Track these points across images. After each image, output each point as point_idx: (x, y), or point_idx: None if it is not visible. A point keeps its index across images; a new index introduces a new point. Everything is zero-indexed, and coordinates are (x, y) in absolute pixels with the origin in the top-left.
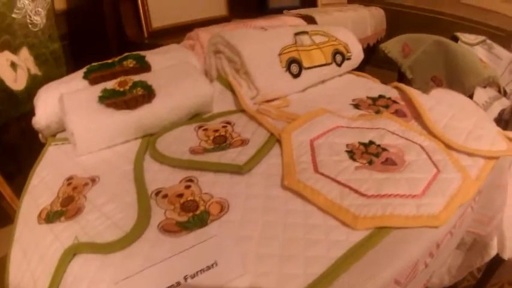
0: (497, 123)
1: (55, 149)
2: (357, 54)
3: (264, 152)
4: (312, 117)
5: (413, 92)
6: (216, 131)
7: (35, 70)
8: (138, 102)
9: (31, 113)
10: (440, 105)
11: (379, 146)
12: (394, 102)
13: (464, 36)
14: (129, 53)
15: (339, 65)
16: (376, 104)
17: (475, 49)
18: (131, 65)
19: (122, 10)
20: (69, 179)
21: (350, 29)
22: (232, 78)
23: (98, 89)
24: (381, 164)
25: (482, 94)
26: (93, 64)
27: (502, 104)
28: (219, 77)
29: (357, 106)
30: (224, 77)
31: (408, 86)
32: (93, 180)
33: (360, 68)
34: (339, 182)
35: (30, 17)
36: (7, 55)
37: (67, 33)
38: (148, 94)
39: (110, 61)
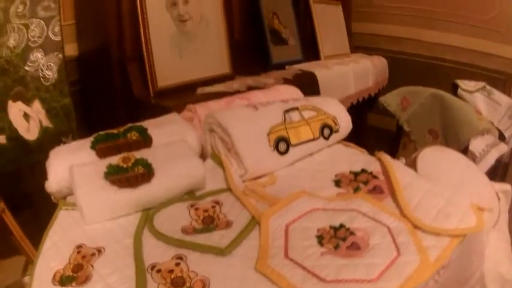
0: (495, 169)
1: (65, 214)
2: (345, 127)
3: (245, 234)
4: (290, 200)
5: (392, 167)
6: (206, 211)
7: (46, 122)
8: (139, 181)
9: (43, 162)
10: (417, 180)
11: (348, 229)
12: (375, 177)
13: (464, 84)
14: (133, 125)
15: (327, 138)
16: (357, 180)
17: (474, 96)
18: (134, 138)
19: (129, 69)
20: (79, 247)
21: (352, 83)
22: (225, 156)
23: (104, 164)
24: (346, 248)
25: (479, 143)
26: (100, 133)
27: (499, 150)
28: (212, 155)
29: (338, 183)
30: (217, 154)
31: (407, 137)
32: (99, 251)
33: (363, 116)
34: (304, 268)
35: (42, 71)
36: (20, 105)
37: (78, 80)
38: (147, 173)
39: (115, 131)
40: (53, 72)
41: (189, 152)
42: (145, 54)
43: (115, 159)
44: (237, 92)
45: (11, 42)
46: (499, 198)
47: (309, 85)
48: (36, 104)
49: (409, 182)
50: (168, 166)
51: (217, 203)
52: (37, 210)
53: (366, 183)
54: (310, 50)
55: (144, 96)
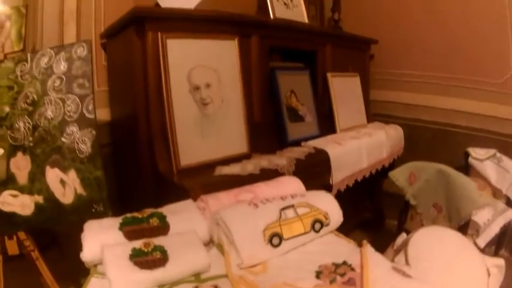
0: (503, 235)
1: (96, 281)
2: (336, 220)
3: None
4: None
5: (367, 260)
6: None
7: (80, 190)
8: (156, 264)
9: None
10: (388, 273)
11: None
12: (352, 269)
13: (475, 152)
14: (155, 211)
15: (317, 232)
16: (336, 272)
17: (484, 164)
18: (155, 224)
19: (156, 147)
20: None
21: (364, 157)
22: (227, 247)
23: (129, 246)
24: None
25: (484, 213)
26: (127, 216)
27: (505, 218)
28: (217, 244)
29: (318, 274)
30: (221, 244)
31: (414, 209)
32: None
33: (378, 183)
34: None
35: (77, 144)
36: (57, 172)
37: (110, 142)
38: (163, 258)
39: (139, 216)
40: (87, 147)
41: (198, 243)
42: (169, 134)
43: (138, 243)
44: (250, 174)
45: (49, 113)
46: (489, 274)
47: (321, 163)
48: (72, 173)
49: (381, 274)
50: (180, 254)
51: (215, 286)
52: (63, 249)
53: (342, 275)
54: (328, 124)
55: (168, 173)
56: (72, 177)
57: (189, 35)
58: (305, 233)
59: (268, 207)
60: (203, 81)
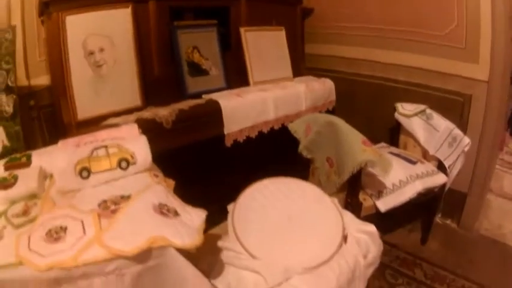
0: (432, 201)
1: None
2: (143, 160)
3: None
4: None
5: (140, 194)
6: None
7: (6, 142)
8: (8, 187)
9: None
10: (144, 210)
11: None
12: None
13: (403, 107)
14: (27, 152)
15: (125, 169)
16: (115, 202)
17: (412, 120)
18: (24, 161)
19: (61, 104)
20: None
21: (271, 109)
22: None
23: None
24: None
25: (396, 174)
26: (11, 156)
27: (426, 182)
28: (50, 176)
29: (102, 203)
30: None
31: (313, 164)
32: None
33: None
34: None
35: (3, 107)
36: None
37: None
38: (13, 183)
39: (18, 156)
40: (10, 108)
41: (35, 174)
42: (68, 94)
43: (6, 173)
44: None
45: None
46: (345, 241)
47: (211, 113)
48: (1, 129)
49: (137, 208)
50: (23, 181)
51: (35, 203)
52: None
53: (116, 205)
54: (243, 78)
55: (69, 125)
56: (0, 132)
57: (85, 9)
58: (111, 169)
59: (86, 147)
60: (96, 46)
